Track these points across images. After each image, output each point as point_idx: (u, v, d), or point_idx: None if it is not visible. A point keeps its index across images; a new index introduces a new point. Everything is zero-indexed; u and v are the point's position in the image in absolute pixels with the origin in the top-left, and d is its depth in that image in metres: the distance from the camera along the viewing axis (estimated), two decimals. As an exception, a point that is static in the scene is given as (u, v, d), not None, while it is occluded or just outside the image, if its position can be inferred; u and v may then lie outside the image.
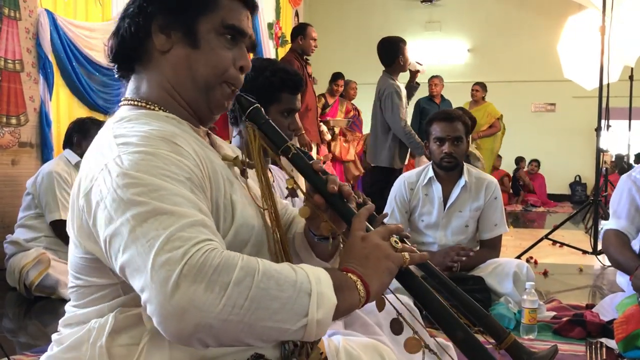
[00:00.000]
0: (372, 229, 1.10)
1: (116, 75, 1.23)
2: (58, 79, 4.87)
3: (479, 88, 8.55)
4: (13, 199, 4.29)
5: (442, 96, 7.72)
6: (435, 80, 7.67)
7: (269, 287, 0.88)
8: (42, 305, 3.41)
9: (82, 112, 5.03)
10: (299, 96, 2.19)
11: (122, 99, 1.20)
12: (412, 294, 1.07)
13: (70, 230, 1.10)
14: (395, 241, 1.07)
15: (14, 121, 4.44)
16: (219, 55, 1.16)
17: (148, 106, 1.15)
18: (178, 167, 0.99)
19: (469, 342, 1.03)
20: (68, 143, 3.98)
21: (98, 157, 1.02)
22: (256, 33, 8.04)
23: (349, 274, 1.00)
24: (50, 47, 4.70)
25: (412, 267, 1.08)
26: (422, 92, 7.44)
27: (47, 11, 4.70)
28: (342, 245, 1.22)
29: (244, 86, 2.09)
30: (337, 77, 8.06)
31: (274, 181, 2.18)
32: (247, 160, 1.23)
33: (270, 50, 8.66)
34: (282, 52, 9.13)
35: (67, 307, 1.15)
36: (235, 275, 0.87)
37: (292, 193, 1.18)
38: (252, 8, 1.23)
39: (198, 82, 1.16)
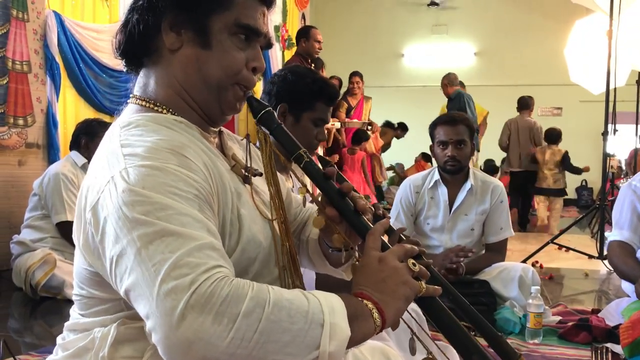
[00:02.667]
0: (389, 245, 1.06)
1: (124, 70, 1.18)
2: (65, 80, 4.89)
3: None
4: (19, 199, 4.31)
5: (449, 96, 7.45)
6: (443, 81, 7.52)
7: (279, 319, 0.84)
8: (48, 306, 3.42)
9: (89, 113, 5.04)
10: (331, 110, 2.23)
11: (130, 95, 1.15)
12: (430, 317, 1.03)
13: (75, 239, 1.07)
14: (412, 263, 1.02)
15: (21, 122, 4.46)
16: (231, 56, 1.10)
17: (156, 108, 1.10)
18: (186, 184, 0.94)
19: None
20: (75, 144, 3.99)
21: (105, 167, 0.98)
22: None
23: (365, 301, 0.95)
24: (58, 48, 4.71)
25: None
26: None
27: (55, 13, 4.72)
28: (356, 261, 1.17)
29: (281, 88, 2.11)
30: (353, 74, 7.86)
31: (293, 186, 2.18)
32: (251, 167, 1.17)
33: (277, 53, 8.66)
34: (289, 55, 9.14)
35: (72, 311, 1.13)
36: (245, 306, 0.82)
37: (304, 202, 1.15)
38: (269, 3, 1.17)
39: (209, 83, 1.10)
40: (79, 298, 1.09)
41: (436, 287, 1.04)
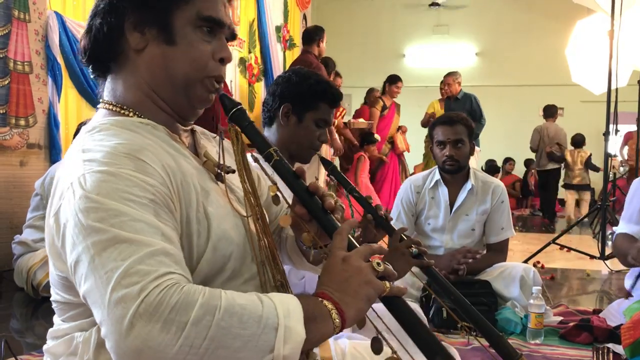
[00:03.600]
0: (357, 245, 1.05)
1: (92, 76, 1.17)
2: (66, 81, 4.90)
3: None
4: (21, 199, 4.31)
5: (456, 97, 7.28)
6: (448, 80, 7.32)
7: (230, 325, 0.84)
8: (49, 306, 3.34)
9: (91, 113, 5.04)
10: (334, 111, 2.25)
11: (100, 101, 1.15)
12: (394, 316, 1.03)
13: (45, 245, 1.07)
14: (377, 263, 1.01)
15: (22, 122, 4.46)
16: (197, 50, 1.10)
17: (123, 111, 1.10)
18: (141, 189, 0.94)
19: None
20: (76, 145, 3.99)
21: (68, 172, 0.99)
22: (264, 36, 8.12)
23: (325, 302, 0.95)
24: (59, 49, 4.72)
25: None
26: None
27: (56, 13, 4.72)
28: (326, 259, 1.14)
29: (286, 89, 2.13)
30: (396, 79, 7.93)
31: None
32: (224, 165, 1.16)
33: (278, 53, 8.66)
34: (290, 55, 9.15)
35: (54, 318, 1.13)
36: (194, 314, 0.83)
37: (275, 200, 1.15)
38: None
39: (177, 80, 1.10)
40: (56, 304, 1.10)
41: (401, 287, 1.03)
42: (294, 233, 1.28)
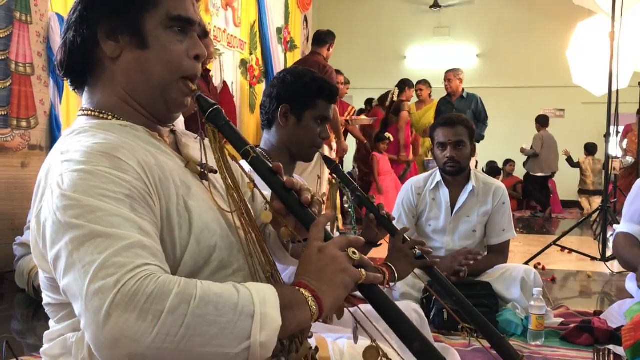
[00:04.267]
0: (332, 236, 1.07)
1: (71, 89, 1.20)
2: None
3: (423, 87, 8.32)
4: (22, 201, 4.32)
5: (461, 95, 7.13)
6: (449, 75, 7.21)
7: (206, 313, 0.86)
8: (51, 307, 3.42)
9: (92, 115, 5.06)
10: (333, 107, 2.24)
11: (79, 109, 1.17)
12: (372, 304, 1.05)
13: (31, 250, 1.09)
14: (353, 252, 1.03)
15: (24, 124, 4.47)
16: (171, 50, 1.12)
17: (102, 115, 1.12)
18: (117, 185, 0.96)
19: (427, 353, 1.01)
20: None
21: (47, 174, 1.02)
22: (265, 38, 8.13)
23: (301, 290, 0.97)
24: (61, 50, 4.72)
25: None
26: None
27: (58, 15, 4.73)
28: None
29: (282, 89, 2.14)
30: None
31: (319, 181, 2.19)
32: (206, 164, 1.19)
33: (279, 54, 8.67)
34: (291, 56, 9.15)
35: (50, 321, 1.15)
36: (170, 302, 0.85)
37: (253, 197, 1.16)
38: None
39: (153, 83, 1.12)
40: (48, 307, 1.12)
41: (377, 275, 1.05)
42: (274, 229, 1.29)
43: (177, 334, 0.84)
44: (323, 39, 6.13)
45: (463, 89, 7.16)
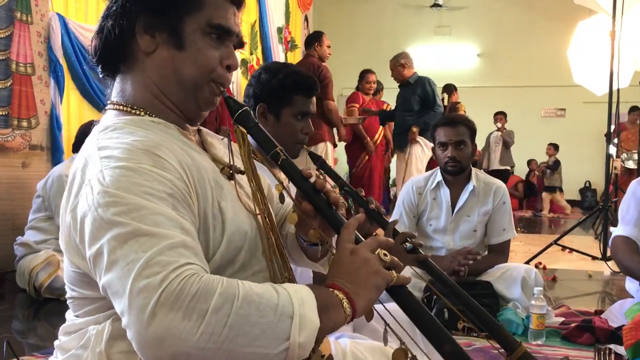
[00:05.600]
0: (362, 239, 1.08)
1: (100, 76, 1.20)
2: (69, 82, 4.91)
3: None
4: (23, 201, 4.32)
5: (407, 81, 6.30)
6: (390, 65, 6.41)
7: (248, 314, 0.87)
8: (51, 307, 3.43)
9: (93, 115, 5.06)
10: (314, 99, 2.18)
11: (108, 102, 1.17)
12: (401, 307, 1.05)
13: (61, 243, 1.09)
14: (384, 254, 1.04)
15: (25, 124, 4.47)
16: (206, 55, 1.12)
17: (134, 111, 1.13)
18: (160, 183, 0.96)
19: (457, 355, 1.01)
20: (78, 147, 3.99)
21: (83, 170, 1.01)
22: (265, 37, 8.13)
23: (335, 291, 0.98)
24: (62, 50, 4.73)
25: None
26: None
27: (59, 15, 4.73)
28: (331, 253, 1.18)
29: (257, 88, 2.10)
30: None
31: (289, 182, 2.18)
32: (235, 165, 1.19)
33: (279, 54, 8.68)
34: (292, 56, 9.16)
35: (67, 315, 1.15)
36: (214, 302, 0.85)
37: (281, 199, 1.16)
38: (238, 4, 1.19)
39: (185, 83, 1.13)
40: (72, 300, 1.12)
41: (406, 276, 1.06)
42: (298, 230, 1.30)
43: (221, 334, 0.84)
44: (309, 41, 6.24)
45: (415, 74, 6.32)
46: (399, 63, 6.29)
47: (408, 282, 1.05)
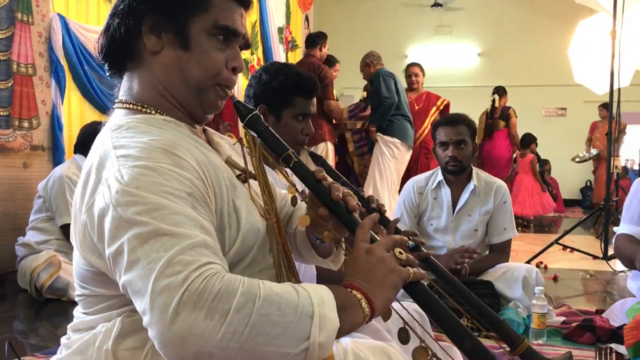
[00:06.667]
0: (377, 238, 1.09)
1: (107, 74, 1.20)
2: (70, 83, 4.91)
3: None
4: (24, 201, 4.32)
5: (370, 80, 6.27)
6: (365, 60, 6.33)
7: (270, 313, 0.87)
8: (53, 307, 3.43)
9: (94, 115, 5.06)
10: (314, 100, 2.18)
11: (115, 101, 1.17)
12: (419, 304, 1.06)
13: (73, 241, 1.09)
14: (399, 252, 1.05)
15: (26, 124, 4.47)
16: (211, 57, 1.13)
17: (144, 110, 1.13)
18: (179, 182, 0.97)
19: (478, 351, 1.02)
20: (79, 147, 4.01)
21: (98, 169, 1.01)
22: (266, 37, 8.13)
23: (353, 291, 0.98)
24: (62, 51, 4.73)
25: (425, 271, 1.07)
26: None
27: (60, 15, 4.74)
28: (344, 250, 1.20)
29: (257, 89, 2.10)
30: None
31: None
32: (247, 168, 1.20)
33: (280, 54, 8.67)
34: (292, 56, 9.16)
35: (76, 312, 1.15)
36: (236, 301, 0.85)
37: (294, 202, 1.16)
38: (246, 5, 1.19)
39: (190, 85, 1.13)
40: (83, 298, 1.11)
41: (422, 271, 1.06)
42: (308, 230, 1.30)
43: (243, 333, 0.85)
44: (314, 40, 6.14)
45: (377, 71, 6.18)
46: (365, 62, 6.32)
47: (424, 277, 1.06)
